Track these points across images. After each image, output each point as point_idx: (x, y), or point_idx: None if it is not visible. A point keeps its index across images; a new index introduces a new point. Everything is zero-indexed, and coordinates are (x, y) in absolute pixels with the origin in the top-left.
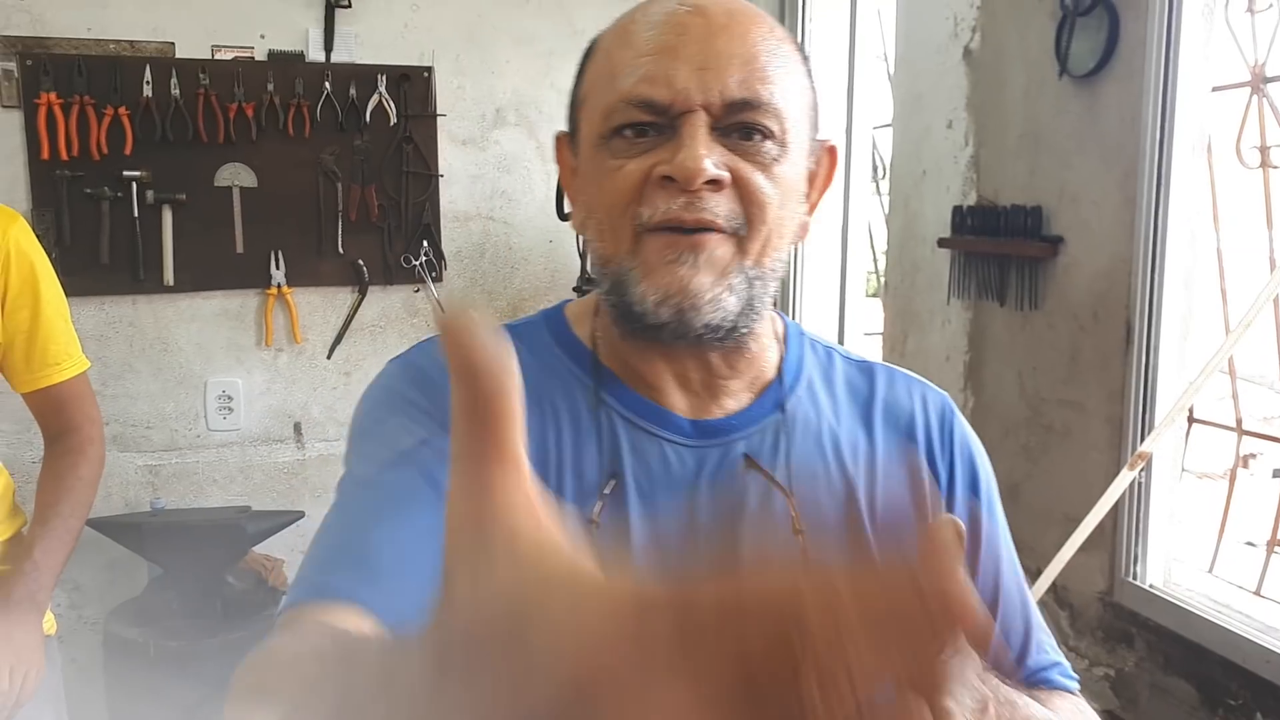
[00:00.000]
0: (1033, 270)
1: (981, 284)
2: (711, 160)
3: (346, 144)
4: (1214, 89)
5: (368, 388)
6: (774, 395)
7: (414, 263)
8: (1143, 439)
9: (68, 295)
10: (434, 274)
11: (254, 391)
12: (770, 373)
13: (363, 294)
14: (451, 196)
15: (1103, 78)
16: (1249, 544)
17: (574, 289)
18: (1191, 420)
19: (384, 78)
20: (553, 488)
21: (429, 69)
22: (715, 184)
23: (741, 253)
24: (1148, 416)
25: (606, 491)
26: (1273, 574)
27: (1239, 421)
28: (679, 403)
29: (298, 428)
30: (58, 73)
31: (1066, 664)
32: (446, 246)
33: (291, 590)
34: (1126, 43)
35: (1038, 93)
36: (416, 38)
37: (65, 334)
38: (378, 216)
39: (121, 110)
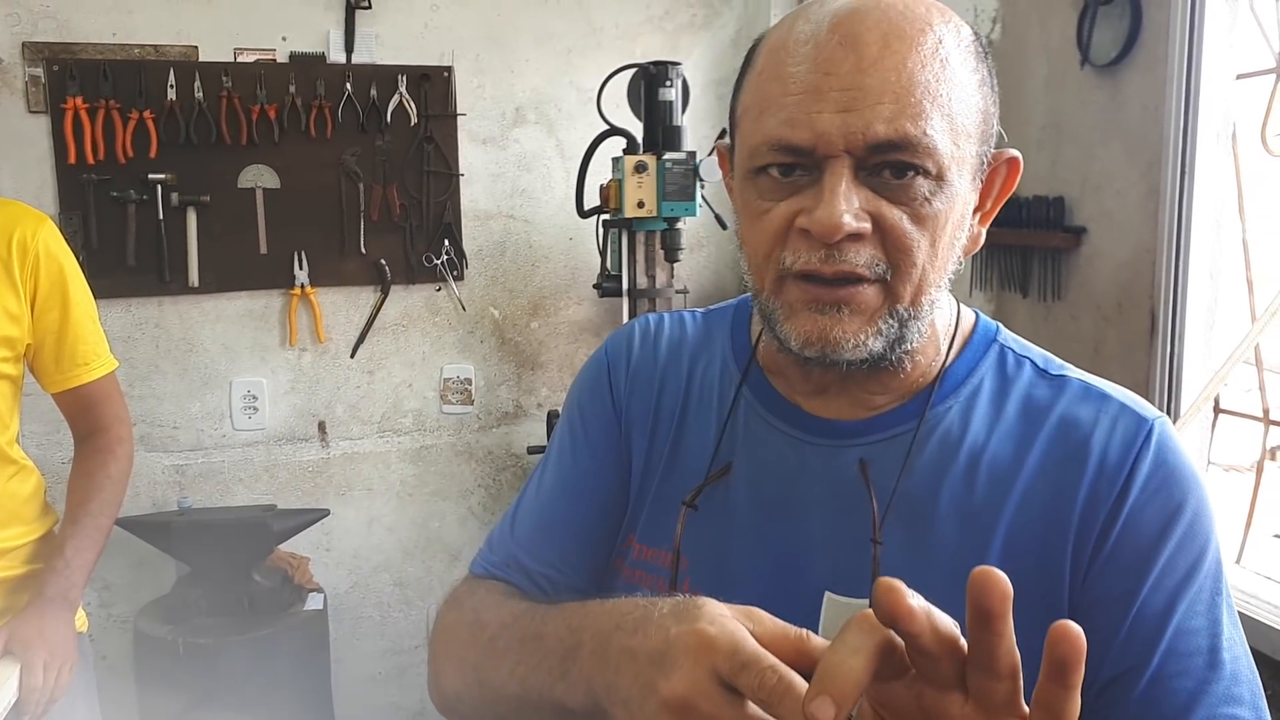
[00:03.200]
0: (1055, 261)
1: (1004, 275)
2: (851, 213)
3: (368, 144)
4: (1238, 76)
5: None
6: (919, 404)
7: (435, 261)
8: None
9: (95, 297)
10: (455, 272)
11: (278, 391)
12: (928, 379)
13: (385, 293)
14: (472, 195)
15: (1125, 67)
16: (1277, 536)
17: (594, 286)
18: (1218, 411)
19: (404, 78)
20: (671, 469)
21: (449, 69)
22: (856, 236)
23: (891, 296)
24: (1173, 407)
25: (711, 477)
26: None
27: (1266, 412)
28: (818, 404)
29: (322, 426)
30: (84, 77)
31: None
32: (468, 245)
33: (490, 550)
34: (1149, 31)
35: (1059, 83)
36: (436, 37)
37: (94, 334)
38: (399, 216)
39: (146, 114)
